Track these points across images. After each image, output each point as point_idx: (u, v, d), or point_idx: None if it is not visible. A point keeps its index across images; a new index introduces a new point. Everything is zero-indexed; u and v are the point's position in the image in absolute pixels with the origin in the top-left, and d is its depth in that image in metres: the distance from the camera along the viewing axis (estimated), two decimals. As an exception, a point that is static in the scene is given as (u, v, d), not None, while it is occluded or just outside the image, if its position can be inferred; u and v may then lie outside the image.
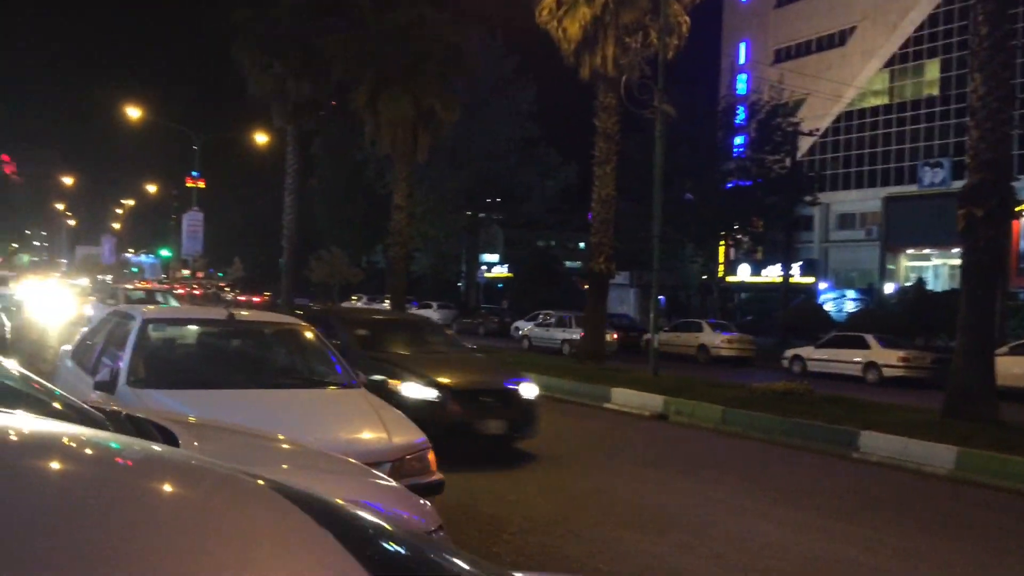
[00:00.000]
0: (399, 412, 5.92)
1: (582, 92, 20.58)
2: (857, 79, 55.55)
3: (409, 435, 5.51)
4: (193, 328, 6.70)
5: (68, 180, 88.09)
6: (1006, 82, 12.18)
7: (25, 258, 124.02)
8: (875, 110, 55.16)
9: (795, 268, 47.28)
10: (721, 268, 53.84)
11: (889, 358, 23.08)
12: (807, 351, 26.09)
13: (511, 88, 47.27)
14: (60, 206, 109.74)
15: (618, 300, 39.15)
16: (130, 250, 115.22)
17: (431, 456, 5.46)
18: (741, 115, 42.15)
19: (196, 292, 65.33)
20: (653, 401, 14.59)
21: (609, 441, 11.72)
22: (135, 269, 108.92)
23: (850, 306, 41.55)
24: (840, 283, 51.22)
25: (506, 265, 64.05)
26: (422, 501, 3.16)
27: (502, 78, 46.90)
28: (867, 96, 55.61)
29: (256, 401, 5.61)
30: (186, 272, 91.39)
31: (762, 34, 63.09)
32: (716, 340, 29.16)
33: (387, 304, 30.16)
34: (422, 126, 25.04)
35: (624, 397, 15.19)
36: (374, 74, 24.38)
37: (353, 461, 3.54)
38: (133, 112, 40.49)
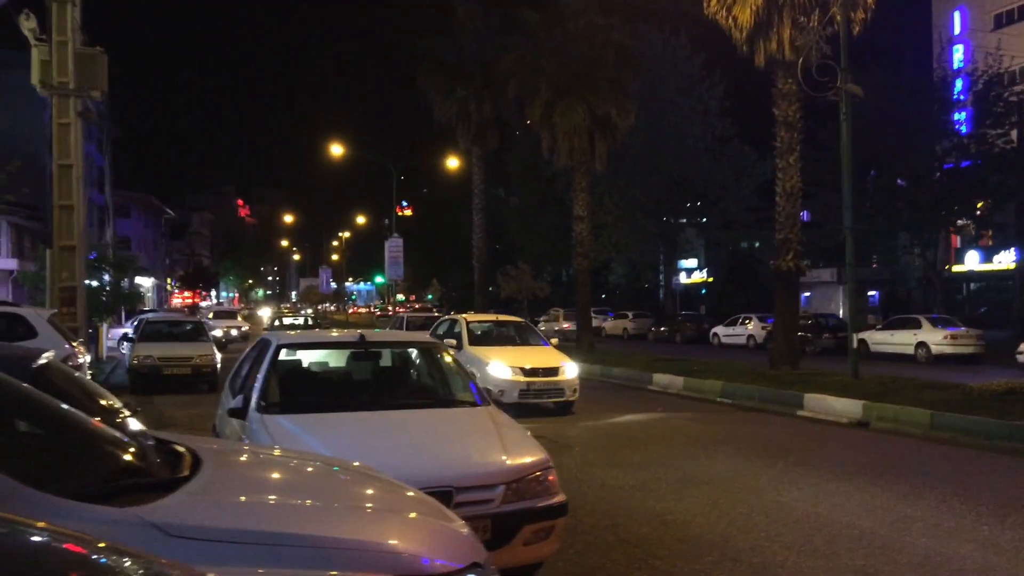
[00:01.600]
0: (524, 432, 5.65)
1: (772, 83, 19.38)
2: (1097, 34, 49.01)
3: (528, 456, 5.22)
4: (328, 351, 6.79)
5: (289, 218, 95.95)
6: None
7: (260, 293, 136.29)
8: (1121, 67, 48.35)
9: (1033, 252, 42.31)
10: (950, 257, 49.28)
11: None
12: (1046, 344, 23.13)
13: (699, 87, 45.84)
14: (284, 242, 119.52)
15: (826, 299, 36.74)
16: (349, 279, 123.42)
17: (552, 477, 5.13)
18: (958, 88, 38.36)
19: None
20: (851, 407, 13.36)
21: (793, 452, 10.76)
22: (354, 297, 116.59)
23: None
24: (1091, 266, 45.14)
25: (705, 270, 62.14)
26: (466, 536, 2.85)
27: (689, 77, 45.60)
28: (1110, 53, 48.90)
29: (378, 422, 5.56)
30: (400, 296, 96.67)
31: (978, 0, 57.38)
32: (938, 337, 26.51)
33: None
34: (598, 134, 24.78)
35: (819, 403, 14.04)
36: (547, 87, 24.45)
37: (411, 493, 3.29)
38: (336, 149, 43.15)
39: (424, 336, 7.53)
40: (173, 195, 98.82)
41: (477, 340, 15.22)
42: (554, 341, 19.97)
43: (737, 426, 13.26)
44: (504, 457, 5.13)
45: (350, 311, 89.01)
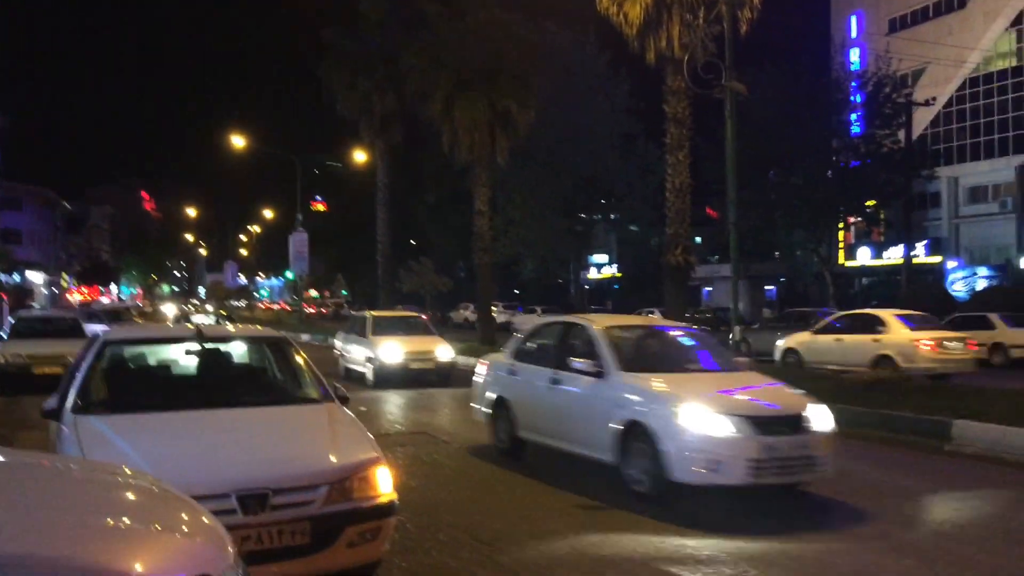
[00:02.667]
0: (361, 430, 5.45)
1: (663, 80, 19.57)
2: (981, 42, 51.60)
3: (357, 455, 5.04)
4: (165, 347, 6.47)
5: (192, 212, 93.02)
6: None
7: (166, 288, 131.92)
8: (1003, 73, 51.02)
9: (920, 248, 44.33)
10: (841, 253, 51.14)
11: (1018, 338, 21.02)
12: (927, 336, 24.11)
13: (606, 85, 46.32)
14: (190, 237, 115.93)
15: (726, 293, 37.51)
16: (260, 274, 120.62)
17: (377, 476, 4.96)
18: (854, 91, 39.78)
19: (324, 311, 67.61)
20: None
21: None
22: (265, 293, 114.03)
23: (982, 284, 38.42)
24: (973, 261, 47.55)
25: (615, 265, 63.00)
26: (201, 547, 2.65)
27: (596, 75, 46.04)
28: (993, 59, 51.57)
29: (201, 422, 5.30)
30: (314, 292, 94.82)
31: (874, 4, 59.65)
32: (827, 330, 27.33)
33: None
34: (499, 128, 24.72)
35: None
36: (447, 80, 24.25)
37: (179, 497, 3.08)
38: (238, 141, 42.01)
39: (269, 331, 7.24)
40: (75, 188, 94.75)
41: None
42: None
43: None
44: (331, 456, 4.95)
45: (261, 307, 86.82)
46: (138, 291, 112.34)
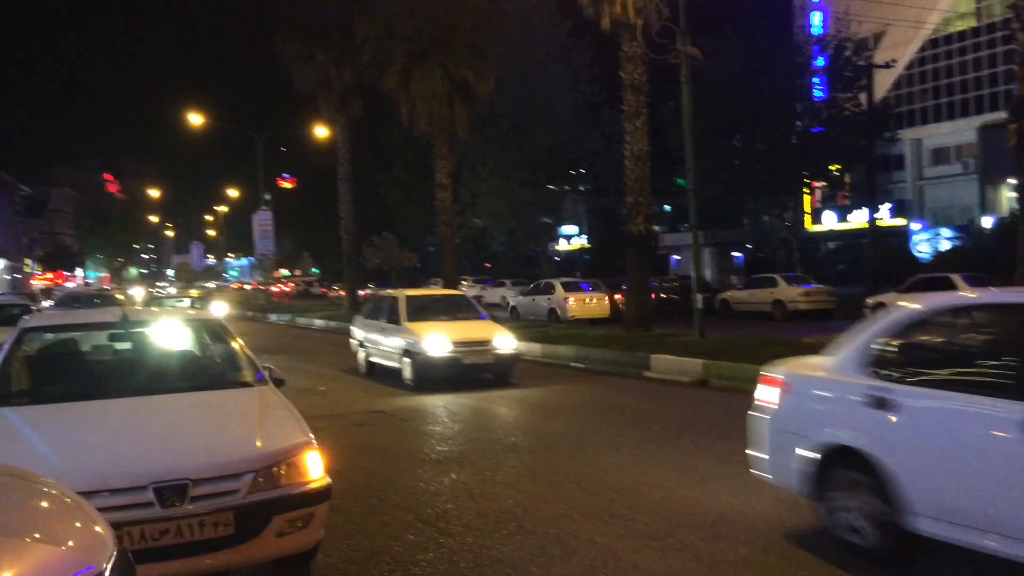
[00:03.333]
0: (292, 414, 5.23)
1: (618, 47, 19.30)
2: (940, 3, 51.79)
3: (287, 440, 4.84)
4: (89, 333, 6.21)
5: (155, 192, 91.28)
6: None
7: (134, 271, 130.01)
8: (962, 34, 51.35)
9: (884, 211, 44.62)
10: (808, 218, 51.36)
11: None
12: (890, 298, 24.24)
13: (568, 54, 45.83)
14: (154, 218, 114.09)
15: (691, 261, 37.65)
16: (230, 254, 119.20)
17: (307, 461, 4.78)
18: (815, 55, 39.68)
19: (288, 289, 66.76)
20: (692, 366, 13.60)
21: (626, 415, 10.83)
22: (235, 273, 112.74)
23: (946, 245, 38.80)
24: (938, 222, 48.02)
25: (585, 236, 62.90)
26: (58, 551, 2.46)
27: (558, 44, 45.52)
28: (953, 20, 51.81)
29: (122, 410, 5.09)
30: (285, 271, 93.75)
31: (836, -34, 59.57)
32: (792, 294, 27.53)
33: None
34: (458, 99, 24.40)
35: (665, 364, 14.24)
36: (402, 51, 23.80)
37: (69, 500, 2.88)
38: (196, 119, 41.20)
39: (201, 313, 7.01)
40: (34, 172, 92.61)
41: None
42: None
43: (582, 391, 13.30)
44: (257, 442, 4.75)
45: (232, 287, 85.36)
46: (105, 275, 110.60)
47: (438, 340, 13.27)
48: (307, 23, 30.52)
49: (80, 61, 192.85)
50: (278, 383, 5.95)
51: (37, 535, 2.50)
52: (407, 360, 13.67)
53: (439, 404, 12.11)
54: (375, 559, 5.51)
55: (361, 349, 15.97)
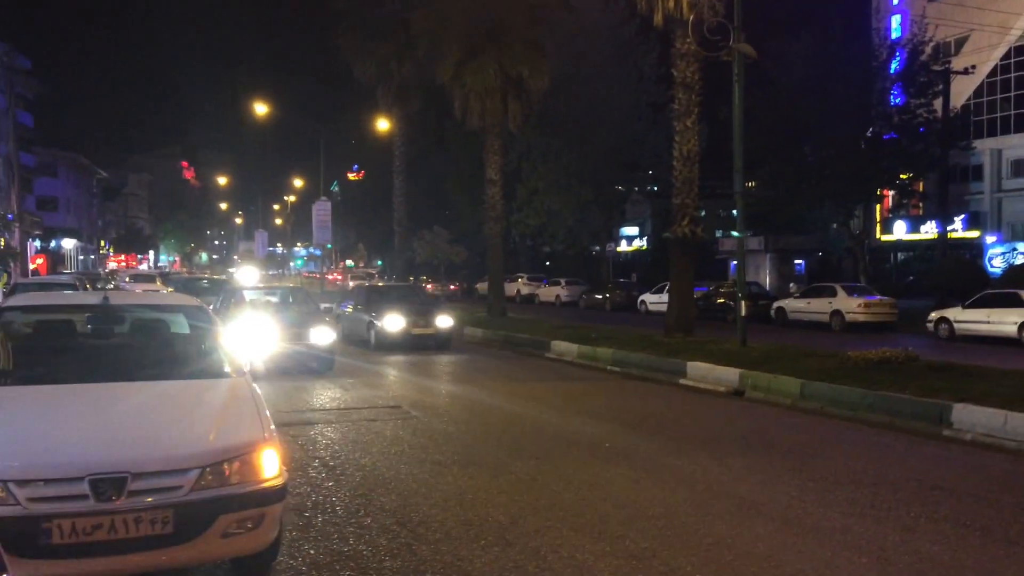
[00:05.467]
0: (255, 409, 4.97)
1: (671, 44, 18.76)
2: (1029, 7, 49.35)
3: (242, 435, 4.62)
4: (71, 315, 6.10)
5: (223, 180, 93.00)
6: None
7: (203, 257, 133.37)
8: (1051, 40, 48.83)
9: (958, 222, 42.83)
10: (878, 227, 49.61)
11: (1051, 316, 20.03)
12: (954, 312, 23.20)
13: (634, 53, 45.12)
14: (224, 205, 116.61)
15: (752, 266, 36.63)
16: (299, 244, 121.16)
17: (262, 459, 4.55)
18: (895, 59, 38.26)
19: (340, 278, 67.38)
20: (729, 375, 13.07)
21: (650, 423, 10.41)
22: (300, 262, 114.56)
23: (1021, 260, 36.99)
24: (1016, 236, 45.85)
25: (646, 237, 61.99)
26: None
27: (624, 42, 44.86)
28: (1041, 25, 49.30)
29: (80, 397, 4.94)
30: (350, 262, 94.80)
31: (918, -31, 57.44)
32: (851, 305, 26.45)
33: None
34: (512, 95, 24.12)
35: (700, 372, 13.73)
36: (458, 45, 23.63)
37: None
38: (261, 108, 41.80)
39: (184, 298, 6.85)
40: (114, 157, 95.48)
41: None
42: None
43: (611, 395, 12.90)
44: (209, 436, 4.55)
45: (302, 276, 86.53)
46: (176, 259, 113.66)
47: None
48: (367, 17, 30.62)
49: (161, 53, 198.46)
50: (256, 376, 5.77)
51: None
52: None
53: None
54: (339, 563, 5.27)
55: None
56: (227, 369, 5.63)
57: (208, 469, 4.35)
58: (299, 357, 14.29)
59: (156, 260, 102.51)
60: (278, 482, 4.60)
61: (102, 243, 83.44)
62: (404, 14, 29.35)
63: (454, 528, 6.01)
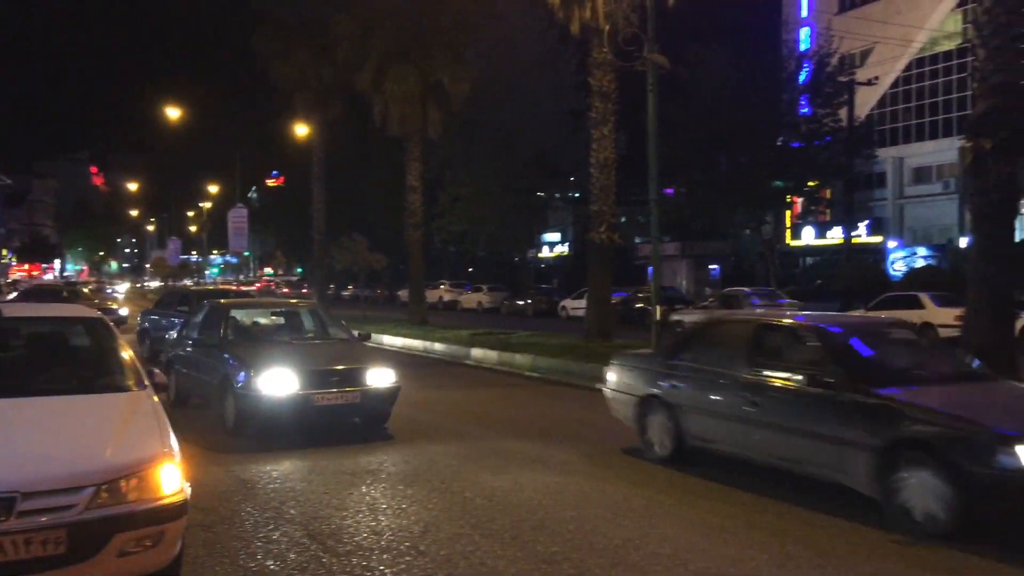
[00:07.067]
0: (157, 423, 4.87)
1: (588, 53, 19.07)
2: (928, 22, 51.84)
3: (138, 452, 4.50)
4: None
5: (140, 186, 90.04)
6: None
7: (114, 265, 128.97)
8: (948, 54, 51.36)
9: (862, 228, 44.60)
10: (788, 233, 51.29)
11: (945, 317, 20.96)
12: (858, 315, 24.12)
13: (555, 61, 45.59)
14: (134, 212, 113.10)
15: (670, 272, 37.49)
16: (214, 251, 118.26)
17: (161, 475, 4.45)
18: (804, 71, 39.64)
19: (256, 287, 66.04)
20: (643, 380, 13.28)
21: (563, 427, 10.54)
22: (215, 271, 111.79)
23: (921, 264, 38.78)
24: (916, 241, 48.02)
25: (568, 244, 62.61)
26: None
27: (545, 51, 45.27)
28: (939, 40, 51.84)
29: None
30: (269, 270, 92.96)
31: (826, -17, 59.70)
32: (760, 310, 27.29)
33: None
34: (433, 102, 24.09)
35: (616, 376, 13.92)
36: (379, 51, 23.49)
37: None
38: (174, 112, 40.74)
39: (83, 310, 6.66)
40: (19, 162, 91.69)
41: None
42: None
43: (527, 401, 13.02)
44: (105, 453, 4.43)
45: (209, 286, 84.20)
46: (84, 268, 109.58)
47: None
48: (286, 19, 30.15)
49: (69, 55, 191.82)
50: (160, 388, 5.64)
51: None
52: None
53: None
54: (244, 580, 5.19)
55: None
56: (128, 383, 5.49)
57: (104, 487, 4.25)
58: (342, 410, 9.63)
59: (63, 269, 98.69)
60: (178, 498, 4.51)
61: (4, 252, 79.91)
62: (324, 18, 28.98)
63: (365, 539, 5.98)
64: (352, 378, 9.61)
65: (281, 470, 8.11)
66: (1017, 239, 16.18)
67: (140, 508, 4.32)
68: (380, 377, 9.85)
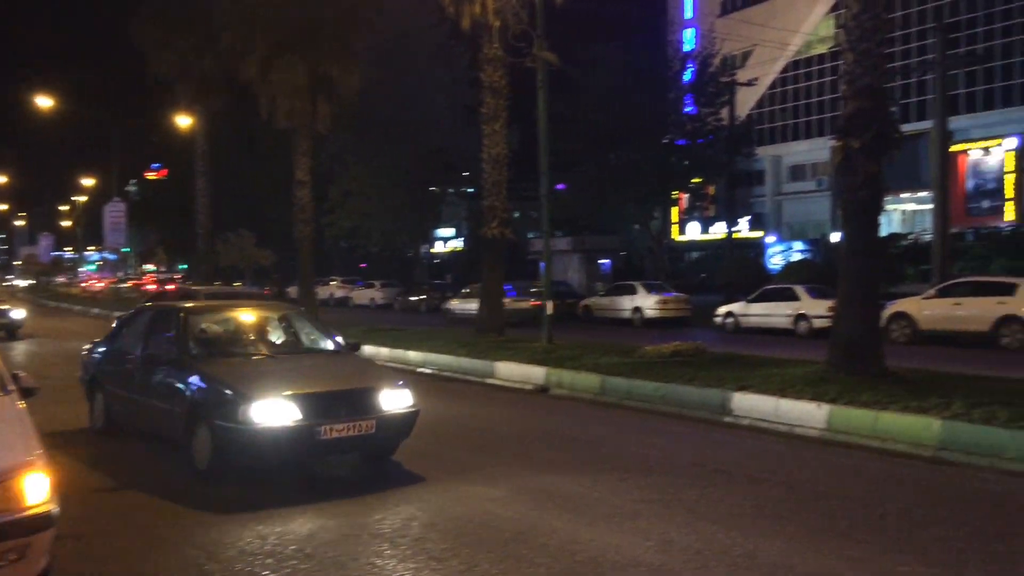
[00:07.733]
0: (21, 429, 4.63)
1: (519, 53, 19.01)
2: (803, 26, 54.36)
3: (9, 459, 4.27)
4: None
5: (2, 179, 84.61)
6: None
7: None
8: (822, 57, 54.02)
9: (744, 223, 46.38)
10: (675, 228, 52.84)
11: (819, 308, 22.05)
12: (739, 307, 25.11)
13: (447, 56, 45.44)
14: (3, 207, 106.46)
15: (561, 267, 38.01)
16: (90, 247, 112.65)
17: (24, 484, 4.23)
18: (688, 71, 40.79)
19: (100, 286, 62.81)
20: (535, 373, 13.51)
21: (454, 423, 10.57)
22: (92, 267, 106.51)
23: (797, 258, 40.68)
24: (795, 235, 50.36)
25: (462, 239, 62.65)
26: None
27: (438, 45, 45.07)
28: (813, 44, 54.45)
29: None
30: (149, 267, 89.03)
31: (708, -15, 61.70)
32: (650, 302, 28.07)
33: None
34: (322, 95, 23.62)
35: (508, 371, 14.10)
36: (264, 41, 22.85)
37: None
38: (45, 102, 38.61)
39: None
40: None
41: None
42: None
43: (418, 397, 12.92)
44: (-39, 463, 4.17)
45: (83, 284, 79.66)
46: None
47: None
48: (166, 5, 28.96)
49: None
50: (27, 393, 5.34)
51: None
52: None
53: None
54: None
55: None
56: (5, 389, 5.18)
57: (-38, 496, 4.00)
58: (352, 443, 7.57)
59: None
60: (46, 508, 4.30)
61: None
62: (207, 4, 27.96)
63: (250, 544, 5.83)
64: (363, 403, 7.50)
65: (164, 478, 7.79)
66: (882, 234, 17.20)
67: (2, 520, 4.10)
68: (395, 399, 7.76)
